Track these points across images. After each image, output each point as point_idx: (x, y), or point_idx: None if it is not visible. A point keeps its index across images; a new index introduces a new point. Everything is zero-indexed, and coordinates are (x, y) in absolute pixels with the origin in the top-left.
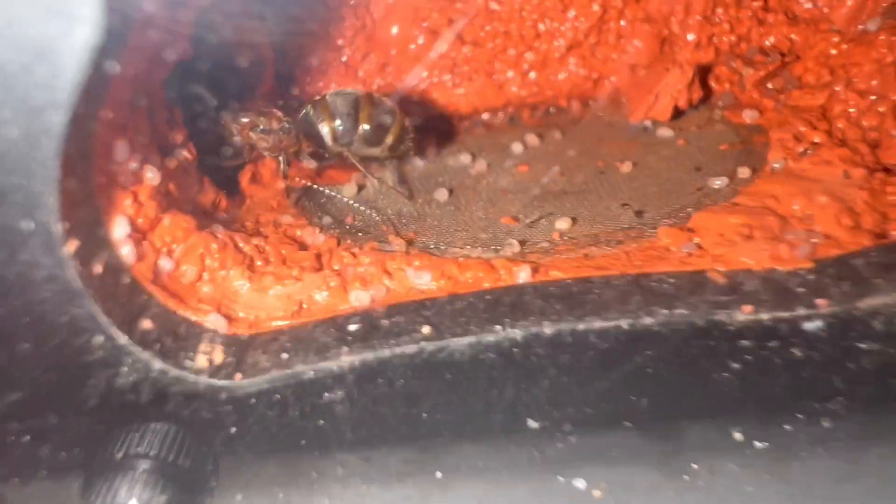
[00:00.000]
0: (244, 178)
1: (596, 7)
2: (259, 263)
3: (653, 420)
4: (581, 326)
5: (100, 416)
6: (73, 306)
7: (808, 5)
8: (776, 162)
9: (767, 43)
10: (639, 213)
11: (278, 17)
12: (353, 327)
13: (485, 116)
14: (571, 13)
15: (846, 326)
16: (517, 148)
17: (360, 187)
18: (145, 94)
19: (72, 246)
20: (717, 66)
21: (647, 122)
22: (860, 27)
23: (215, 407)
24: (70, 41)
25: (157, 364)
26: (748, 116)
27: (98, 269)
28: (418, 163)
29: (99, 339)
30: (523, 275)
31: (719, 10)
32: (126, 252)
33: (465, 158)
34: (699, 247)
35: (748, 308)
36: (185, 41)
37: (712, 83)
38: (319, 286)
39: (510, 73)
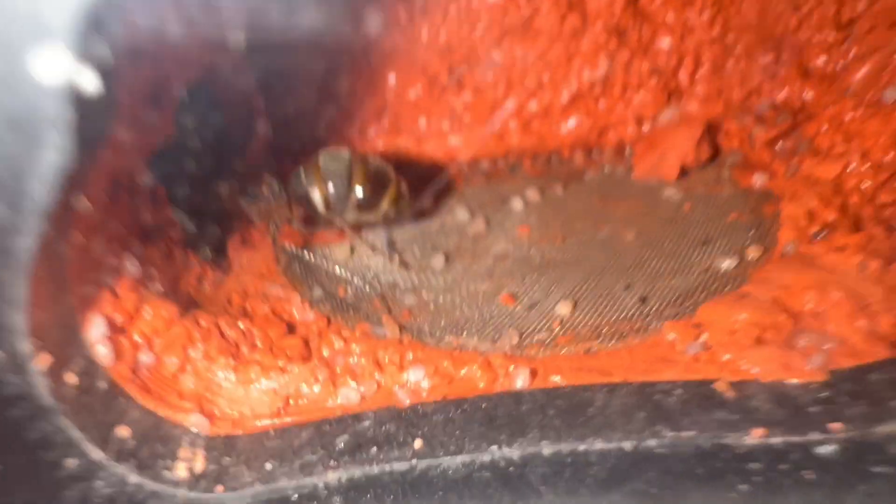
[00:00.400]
0: (233, 243)
1: (602, 59)
2: (244, 350)
3: None
4: (582, 447)
5: None
6: (43, 423)
7: (823, 60)
8: (787, 244)
9: (779, 97)
10: (643, 300)
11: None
12: (340, 443)
13: (484, 165)
14: (576, 64)
15: (861, 450)
16: (517, 205)
17: (353, 250)
18: (125, 182)
19: (43, 362)
20: (726, 121)
21: (653, 181)
22: (876, 96)
23: None
24: (36, 164)
25: (134, 478)
26: (758, 180)
27: (72, 379)
28: (414, 221)
29: (71, 457)
30: (521, 380)
31: (730, 62)
32: (103, 353)
33: (462, 215)
34: (706, 347)
35: (759, 432)
36: (168, 125)
37: (720, 140)
38: (307, 379)
39: (512, 124)
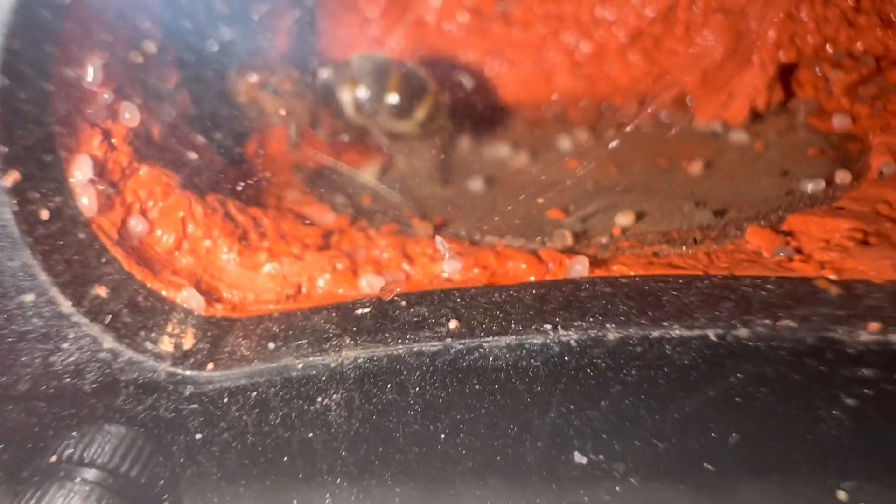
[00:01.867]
0: (249, 147)
1: None
2: (252, 237)
3: (740, 465)
4: (655, 333)
5: (30, 406)
6: (5, 257)
7: None
8: (884, 166)
9: (858, 48)
10: (718, 213)
11: None
12: (361, 311)
13: (526, 111)
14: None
15: None
16: (565, 143)
17: (383, 171)
18: (126, 15)
19: (10, 178)
20: (799, 69)
21: (717, 125)
22: None
23: (177, 404)
24: None
25: (108, 342)
26: (839, 123)
27: (44, 214)
28: (448, 148)
29: (36, 300)
30: (579, 267)
31: (804, 7)
32: (86, 201)
33: (503, 150)
34: (799, 251)
35: (875, 325)
36: None
37: (794, 88)
38: (324, 267)
39: (560, 63)
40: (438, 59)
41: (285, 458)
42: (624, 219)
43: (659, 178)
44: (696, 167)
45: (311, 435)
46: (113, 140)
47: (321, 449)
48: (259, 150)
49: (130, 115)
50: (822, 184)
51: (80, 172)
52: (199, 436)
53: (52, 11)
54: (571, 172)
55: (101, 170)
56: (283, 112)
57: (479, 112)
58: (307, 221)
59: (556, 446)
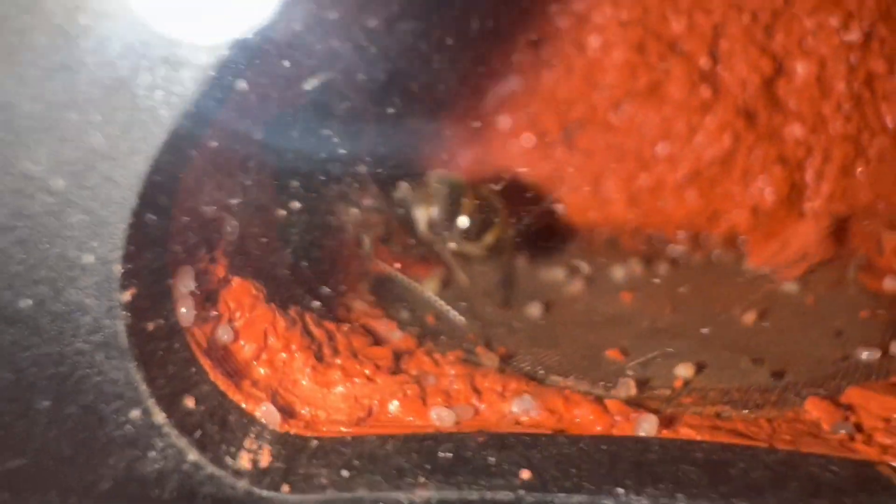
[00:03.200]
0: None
1: (726, 138)
2: (326, 353)
3: None
4: None
5: None
6: (112, 366)
7: None
8: None
9: None
10: (776, 375)
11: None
12: (441, 454)
13: (580, 233)
14: (698, 139)
15: None
16: (618, 273)
17: (445, 284)
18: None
19: (129, 294)
20: (850, 222)
21: (767, 270)
22: None
23: None
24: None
25: (192, 455)
26: (889, 285)
27: (150, 326)
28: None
29: (134, 412)
30: (647, 426)
31: (860, 164)
32: (184, 311)
33: (559, 273)
34: (858, 429)
35: None
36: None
37: (845, 241)
38: (394, 393)
39: (617, 194)
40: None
41: None
42: (684, 370)
43: (713, 324)
44: (749, 317)
45: None
46: (214, 251)
47: None
48: (328, 258)
49: (232, 229)
50: (878, 353)
51: (183, 284)
52: None
53: (195, 147)
54: (626, 306)
55: (199, 280)
56: (358, 222)
57: (538, 234)
58: (376, 339)
59: None
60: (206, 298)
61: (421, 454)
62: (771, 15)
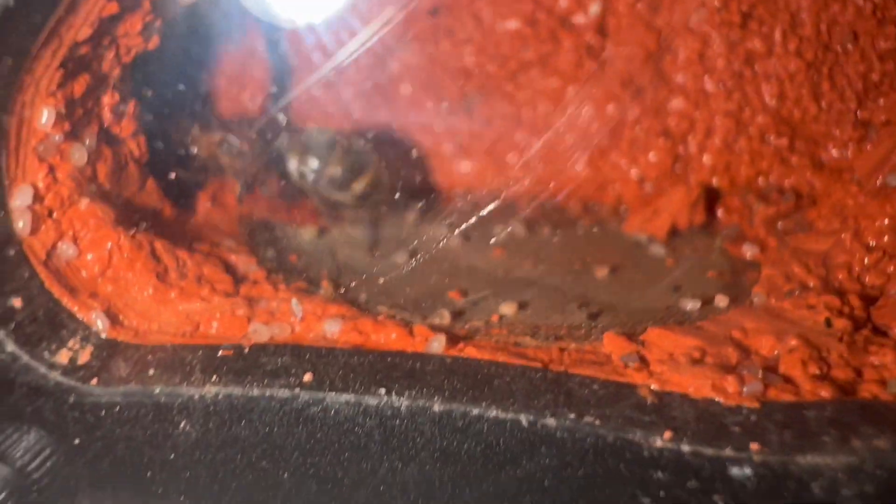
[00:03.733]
0: (204, 196)
1: (611, 109)
2: (172, 276)
3: None
4: (475, 411)
5: None
6: None
7: (836, 153)
8: (756, 296)
9: (787, 184)
10: (593, 316)
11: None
12: (229, 363)
13: (477, 196)
14: (586, 111)
15: (779, 482)
16: (499, 232)
17: (321, 232)
18: (91, 66)
19: None
20: (728, 195)
21: (642, 236)
22: (880, 180)
23: (61, 410)
24: None
25: (11, 346)
26: (748, 251)
27: None
28: (389, 223)
29: None
30: (436, 345)
31: (742, 140)
32: (21, 224)
33: (441, 230)
34: (642, 359)
35: (668, 433)
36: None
37: (720, 212)
38: (224, 311)
39: (513, 160)
40: (400, 138)
41: (149, 473)
42: (507, 308)
43: (565, 276)
44: (602, 272)
45: (172, 456)
46: (58, 175)
47: (180, 469)
48: (211, 200)
49: (78, 155)
50: (699, 304)
51: (20, 200)
52: (76, 441)
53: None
54: (493, 260)
55: (39, 197)
56: (234, 168)
57: (429, 193)
58: (231, 271)
59: (379, 501)
60: (49, 214)
61: (217, 359)
62: None
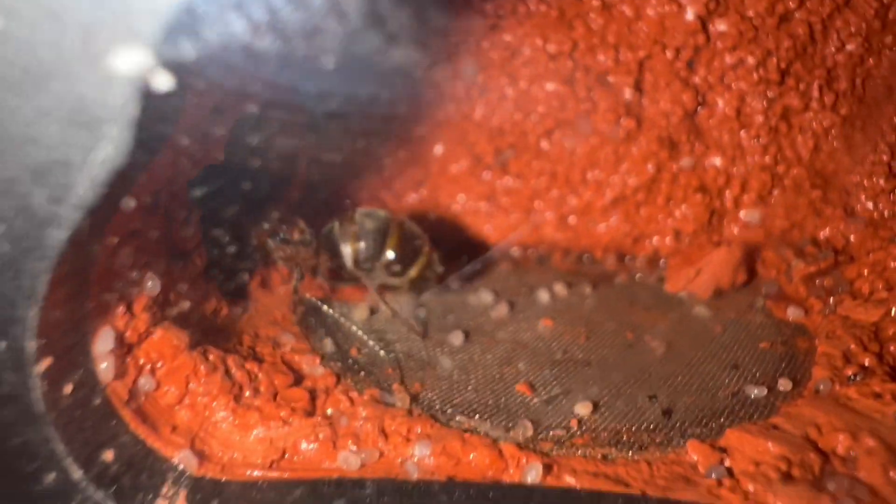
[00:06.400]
0: (253, 282)
1: (650, 167)
2: (247, 394)
3: None
4: None
5: None
6: (30, 430)
7: (869, 205)
8: (821, 382)
9: (822, 235)
10: (667, 414)
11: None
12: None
13: (515, 252)
14: (623, 167)
15: None
16: (543, 296)
17: (373, 311)
18: (166, 197)
19: (43, 364)
20: (765, 249)
21: (683, 294)
22: None
23: None
24: (90, 157)
25: None
26: (792, 314)
27: (68, 388)
28: (437, 293)
29: (50, 472)
30: (533, 473)
31: (776, 192)
32: (104, 368)
33: (486, 297)
34: (730, 473)
35: None
36: (219, 149)
37: (758, 268)
38: (308, 435)
39: (549, 215)
40: (437, 202)
41: None
42: (582, 409)
43: (622, 355)
44: (658, 346)
45: None
46: (134, 309)
47: None
48: (261, 286)
49: (153, 284)
50: (765, 391)
51: (103, 344)
52: None
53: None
54: (545, 335)
55: (119, 338)
56: (286, 257)
57: (469, 253)
58: (297, 377)
59: None
60: (128, 352)
61: (321, 500)
62: (693, 51)
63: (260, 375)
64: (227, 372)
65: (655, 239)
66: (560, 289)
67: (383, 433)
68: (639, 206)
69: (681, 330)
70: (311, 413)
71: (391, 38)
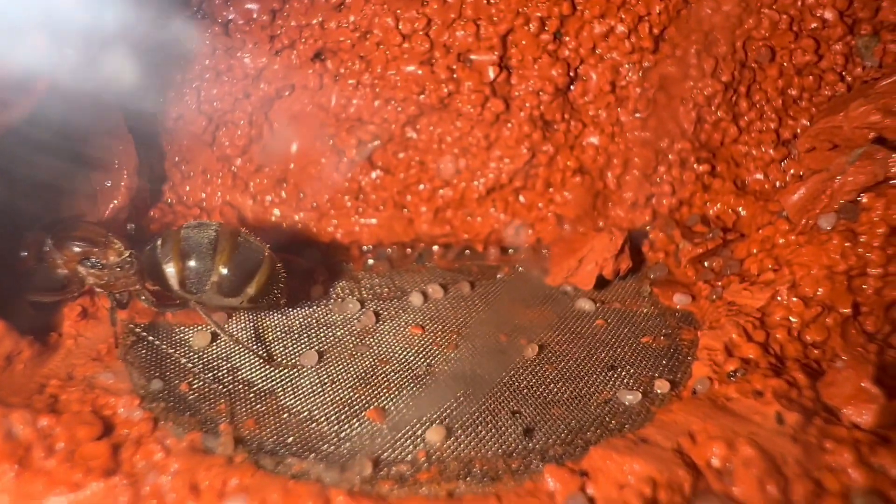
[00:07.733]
0: (71, 314)
1: (524, 150)
2: (37, 455)
3: None
4: None
5: None
6: None
7: (759, 176)
8: (700, 382)
9: (712, 212)
10: (528, 432)
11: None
12: None
13: (390, 251)
14: (496, 152)
15: None
16: (416, 300)
17: (215, 336)
18: None
19: None
20: (653, 230)
21: (569, 287)
22: (812, 221)
23: None
24: None
25: None
26: (679, 301)
27: None
28: (294, 307)
29: None
30: None
31: (661, 169)
32: None
33: (353, 306)
34: (590, 501)
35: None
36: None
37: (646, 249)
38: (102, 501)
39: (423, 209)
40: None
41: None
42: (433, 434)
43: (492, 362)
44: (531, 350)
45: None
46: None
47: None
48: (81, 317)
49: None
50: (639, 396)
51: None
52: None
53: None
54: (412, 345)
55: None
56: (101, 283)
57: (338, 257)
58: (109, 424)
59: None
60: None
61: None
62: (559, 21)
63: (58, 430)
64: (9, 433)
65: (537, 227)
66: (434, 290)
67: (195, 489)
68: (517, 192)
69: (560, 328)
70: (111, 472)
71: None
